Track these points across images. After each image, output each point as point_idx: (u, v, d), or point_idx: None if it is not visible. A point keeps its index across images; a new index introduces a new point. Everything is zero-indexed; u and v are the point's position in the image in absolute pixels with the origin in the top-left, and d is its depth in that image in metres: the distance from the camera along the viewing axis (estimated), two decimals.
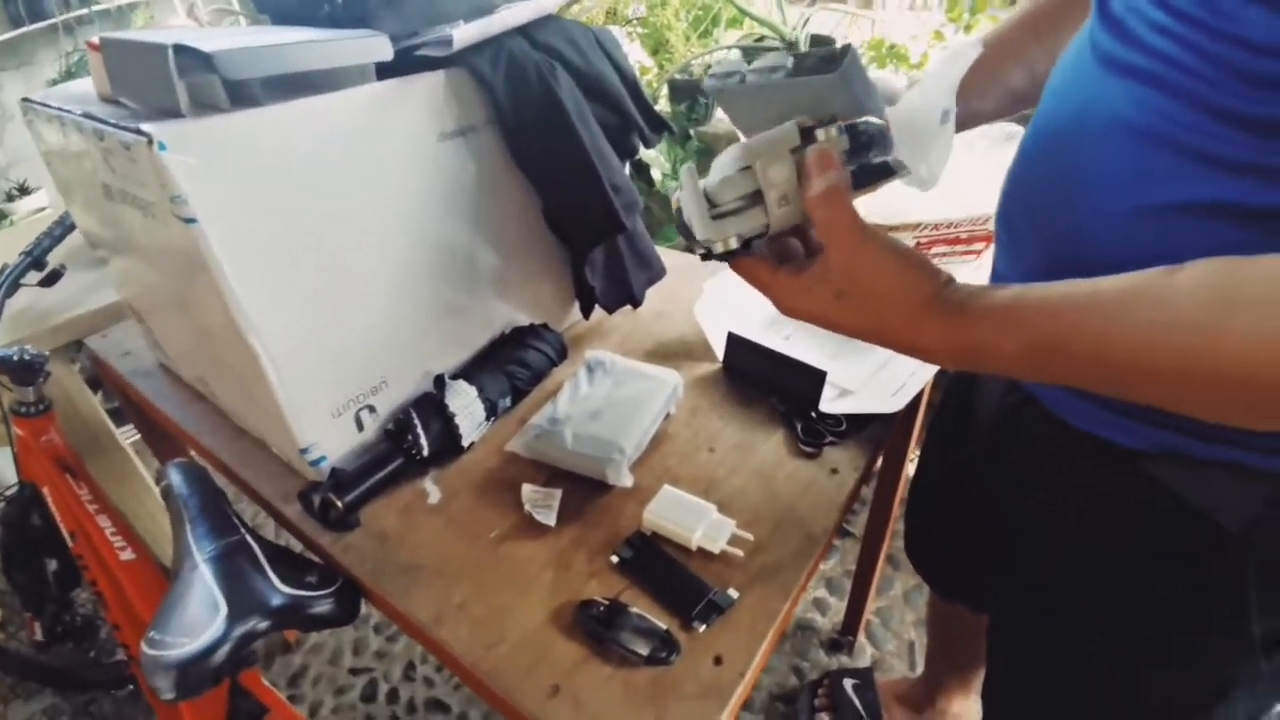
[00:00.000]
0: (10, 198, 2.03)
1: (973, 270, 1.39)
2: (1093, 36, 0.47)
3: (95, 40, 0.66)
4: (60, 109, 0.64)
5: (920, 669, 1.28)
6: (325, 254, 0.62)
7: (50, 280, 1.11)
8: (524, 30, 0.72)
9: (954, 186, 1.30)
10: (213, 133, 0.52)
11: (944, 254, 1.32)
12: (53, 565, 1.13)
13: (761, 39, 2.04)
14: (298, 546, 0.71)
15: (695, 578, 0.57)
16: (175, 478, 0.71)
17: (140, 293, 0.82)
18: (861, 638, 1.35)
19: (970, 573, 0.82)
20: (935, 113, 0.48)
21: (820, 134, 0.44)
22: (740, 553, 0.59)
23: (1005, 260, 0.57)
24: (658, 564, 0.59)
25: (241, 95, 0.55)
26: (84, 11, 2.01)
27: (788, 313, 0.46)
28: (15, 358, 0.93)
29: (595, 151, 0.74)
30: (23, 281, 1.08)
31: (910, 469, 0.98)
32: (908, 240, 1.26)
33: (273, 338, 0.60)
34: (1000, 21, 0.65)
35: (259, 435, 0.77)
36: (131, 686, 1.35)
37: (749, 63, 0.51)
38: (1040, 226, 0.50)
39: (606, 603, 0.55)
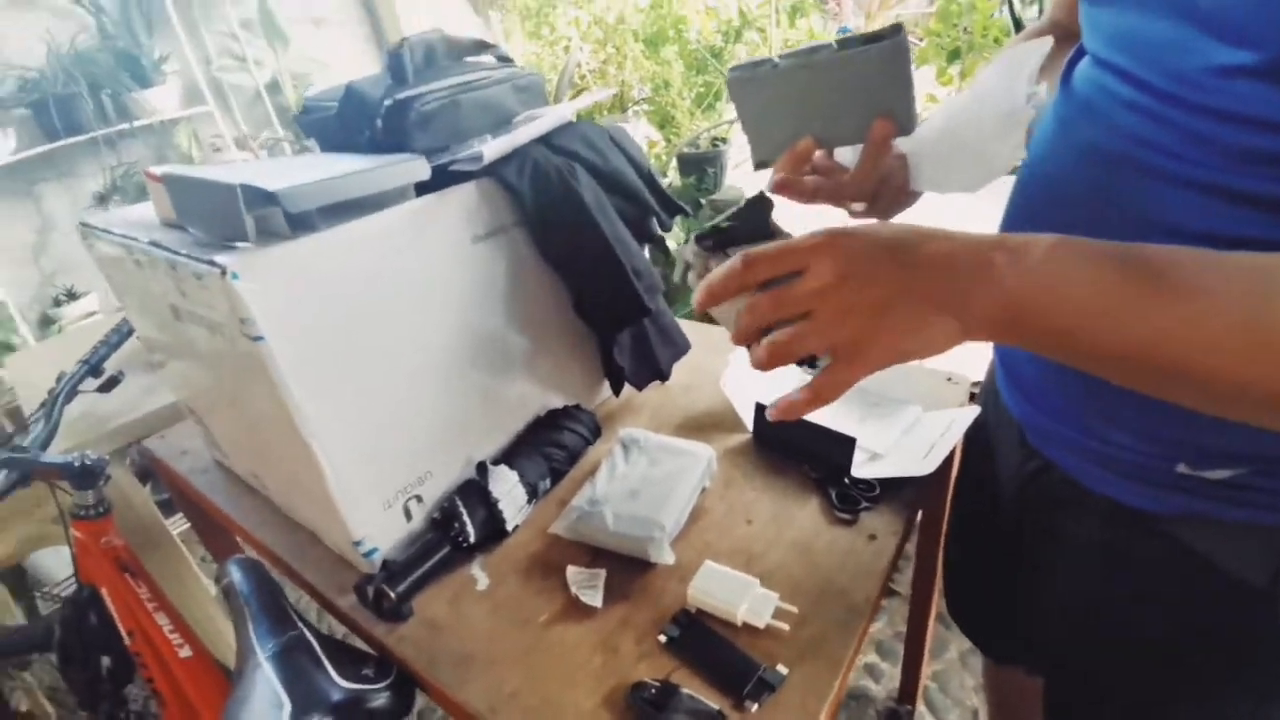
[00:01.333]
0: (58, 303, 2.15)
1: None
2: (1059, 114, 0.48)
3: (155, 172, 0.73)
4: (126, 237, 0.71)
5: None
6: (376, 357, 0.67)
7: (108, 386, 1.18)
8: (544, 138, 0.78)
9: (961, 221, 1.34)
10: (277, 260, 0.57)
11: None
12: (107, 662, 1.16)
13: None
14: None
15: (744, 655, 0.58)
16: (236, 575, 0.74)
17: (198, 396, 0.88)
18: (920, 706, 1.30)
19: (1018, 635, 0.81)
20: (1007, 105, 0.47)
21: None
22: (785, 626, 0.60)
23: None
24: (705, 642, 0.60)
25: (299, 222, 0.60)
26: (125, 126, 2.16)
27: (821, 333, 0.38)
28: (77, 464, 0.98)
29: (616, 240, 0.79)
30: (80, 388, 1.15)
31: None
32: None
33: (329, 438, 0.64)
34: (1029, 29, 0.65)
35: (311, 528, 0.80)
36: None
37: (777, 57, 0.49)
38: None
39: (657, 684, 0.56)
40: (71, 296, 2.13)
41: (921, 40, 2.22)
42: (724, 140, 2.31)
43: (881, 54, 0.44)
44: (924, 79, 1.82)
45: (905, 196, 0.60)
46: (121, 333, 1.21)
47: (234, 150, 2.28)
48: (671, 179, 2.25)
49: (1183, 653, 0.52)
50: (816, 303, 0.37)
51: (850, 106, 0.47)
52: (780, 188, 0.54)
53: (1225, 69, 0.34)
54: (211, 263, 0.55)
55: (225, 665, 1.02)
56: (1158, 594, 0.52)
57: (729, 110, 2.46)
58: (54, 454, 0.99)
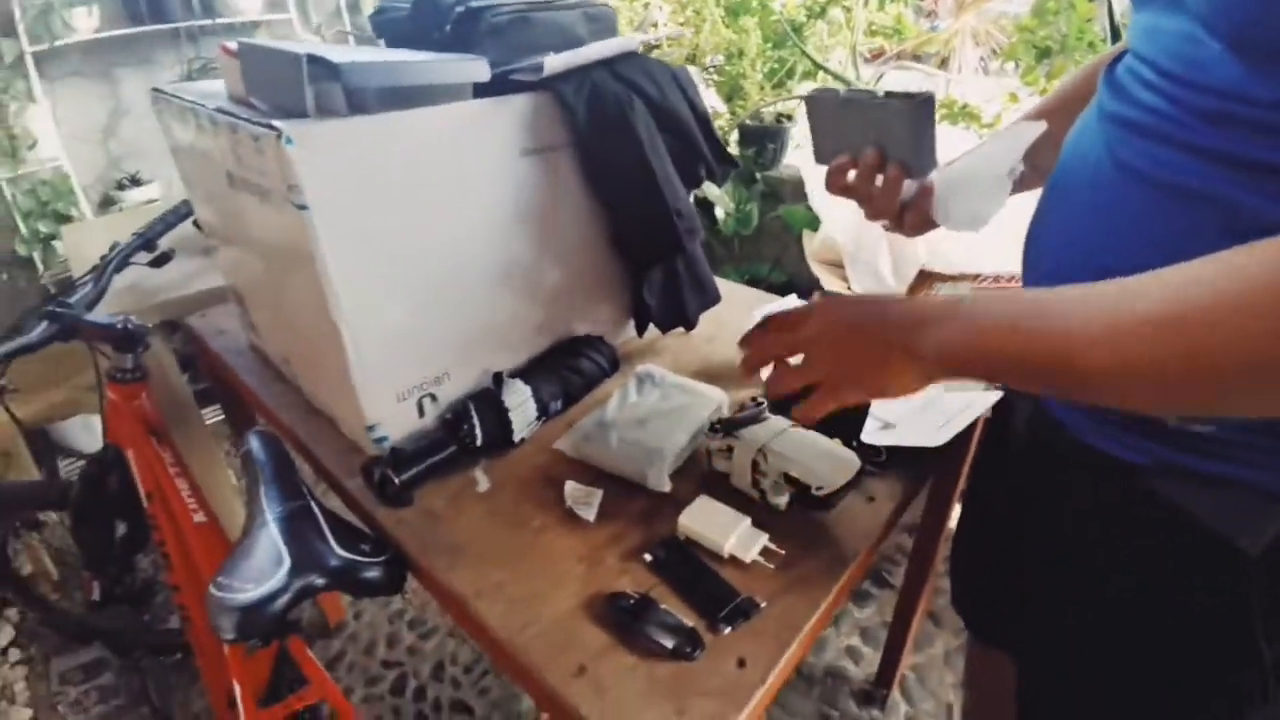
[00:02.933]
0: (121, 186, 2.22)
1: None
2: (1099, 99, 0.53)
3: (230, 45, 0.75)
4: (194, 103, 0.73)
5: None
6: (411, 251, 0.69)
7: (160, 262, 1.22)
8: (608, 63, 0.78)
9: (1009, 240, 1.30)
10: (332, 133, 0.59)
11: None
12: (121, 529, 1.21)
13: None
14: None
15: (725, 583, 0.59)
16: (254, 443, 0.77)
17: (244, 275, 0.91)
18: (896, 693, 1.31)
19: (1008, 615, 0.80)
20: (1004, 168, 0.58)
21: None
22: (770, 565, 0.61)
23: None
24: (689, 566, 0.61)
25: (358, 103, 0.62)
26: (207, 21, 2.20)
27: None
28: (120, 326, 1.03)
29: (663, 177, 0.79)
30: (133, 261, 1.20)
31: (954, 522, 0.96)
32: (965, 289, 1.26)
33: (357, 321, 0.66)
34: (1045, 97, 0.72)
35: (330, 413, 0.83)
36: (179, 655, 1.42)
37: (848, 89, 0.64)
38: (1062, 262, 0.54)
39: (636, 596, 0.58)
40: (135, 182, 2.20)
41: (1011, 36, 2.14)
42: (789, 118, 2.27)
43: (907, 111, 0.56)
44: (1008, 78, 1.75)
45: (926, 223, 0.67)
46: (179, 213, 1.25)
47: (302, 37, 2.32)
48: (731, 150, 2.22)
49: (1164, 624, 0.53)
50: (807, 347, 0.52)
51: (883, 141, 0.60)
52: (831, 175, 0.66)
53: (1212, 54, 0.41)
54: (270, 126, 0.57)
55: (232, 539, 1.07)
56: (1144, 556, 0.53)
57: (799, 88, 2.41)
58: (99, 315, 1.03)
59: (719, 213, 2.05)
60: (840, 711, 1.29)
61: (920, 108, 0.56)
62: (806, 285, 1.98)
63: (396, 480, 0.69)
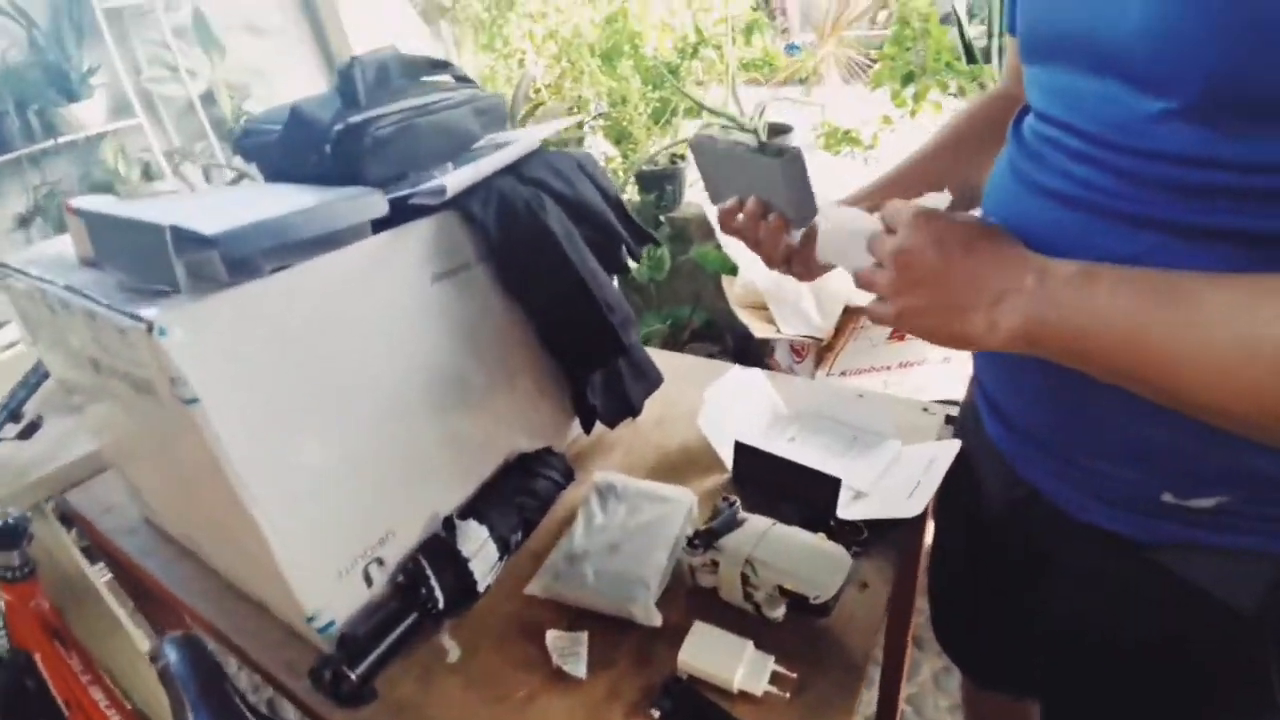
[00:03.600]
0: None
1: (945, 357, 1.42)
2: (1013, 162, 0.52)
3: (73, 204, 0.65)
4: (41, 280, 0.63)
5: None
6: (326, 412, 0.61)
7: (28, 432, 1.07)
8: (512, 167, 0.74)
9: None
10: (213, 311, 0.51)
11: None
12: None
13: (725, 126, 2.13)
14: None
15: None
16: (172, 656, 0.66)
17: (123, 451, 0.79)
18: None
19: (1006, 659, 0.80)
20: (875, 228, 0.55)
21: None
22: (785, 694, 0.56)
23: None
24: (701, 714, 0.56)
25: (239, 266, 0.54)
26: (49, 144, 2.01)
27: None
28: None
29: (587, 273, 0.74)
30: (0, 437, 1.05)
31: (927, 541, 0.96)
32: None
33: (274, 505, 0.57)
34: (927, 140, 0.72)
35: (257, 598, 0.73)
36: None
37: (728, 134, 0.68)
38: None
39: None
40: None
41: (875, 63, 2.26)
42: (682, 157, 2.29)
43: (778, 166, 0.57)
44: (880, 101, 1.84)
45: (816, 269, 0.64)
46: (39, 373, 1.10)
47: (165, 164, 2.14)
48: (630, 196, 2.22)
49: (1173, 676, 0.53)
50: (891, 260, 0.47)
51: (762, 189, 0.61)
52: (721, 219, 0.65)
53: (1151, 115, 0.39)
54: (136, 316, 0.49)
55: None
56: (1148, 619, 0.53)
57: (686, 128, 2.45)
58: None
59: (630, 263, 2.03)
60: None
61: (791, 164, 0.56)
62: (734, 329, 1.99)
63: (353, 676, 0.60)
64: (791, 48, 3.39)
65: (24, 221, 2.00)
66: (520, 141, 0.75)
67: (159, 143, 2.23)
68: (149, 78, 2.23)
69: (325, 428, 0.61)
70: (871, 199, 0.64)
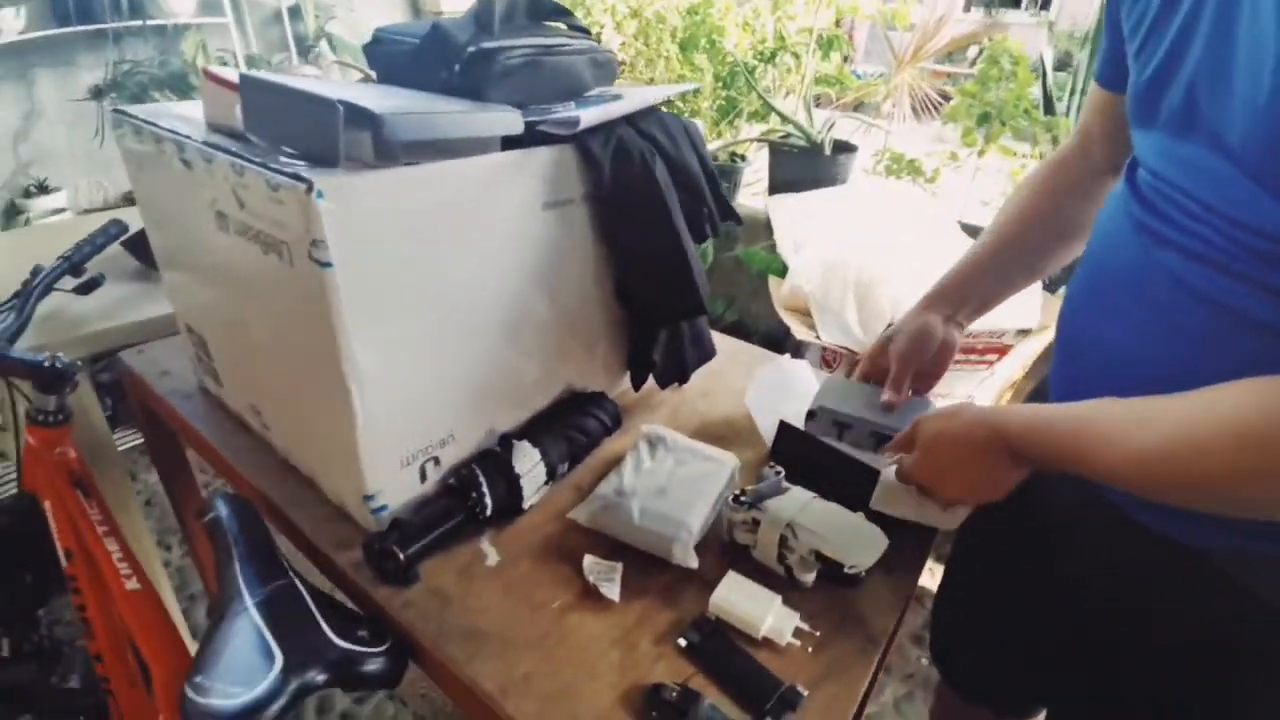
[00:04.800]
0: (29, 194, 2.00)
1: (982, 379, 1.46)
2: (1130, 212, 0.55)
3: (219, 72, 0.68)
4: (176, 134, 0.66)
5: None
6: (428, 309, 0.64)
7: (87, 288, 1.09)
8: (629, 118, 0.77)
9: None
10: (365, 187, 0.54)
11: (960, 362, 1.38)
12: (28, 579, 1.07)
13: (787, 136, 2.16)
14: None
15: (764, 670, 0.57)
16: (225, 511, 0.69)
17: (212, 315, 0.82)
18: None
19: (1004, 676, 0.83)
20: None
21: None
22: (808, 647, 0.59)
23: (1065, 384, 0.65)
24: (726, 652, 0.59)
25: (385, 152, 0.57)
26: (136, 23, 2.03)
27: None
28: (46, 364, 0.91)
29: (683, 230, 0.78)
30: (57, 287, 1.07)
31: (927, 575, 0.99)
32: None
33: (371, 384, 0.61)
34: (1002, 224, 0.78)
35: (311, 475, 0.76)
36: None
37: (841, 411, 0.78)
38: (1107, 358, 0.58)
39: (678, 689, 0.55)
40: (43, 189, 1.98)
41: (947, 100, 2.30)
42: (742, 157, 2.32)
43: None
44: (947, 140, 1.87)
45: None
46: (109, 234, 1.13)
47: (243, 66, 2.16)
48: None
49: (1216, 680, 0.57)
50: (916, 466, 0.65)
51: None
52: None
53: (1259, 199, 0.43)
54: (298, 176, 0.52)
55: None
56: (1196, 621, 0.56)
57: (748, 129, 2.48)
58: (22, 349, 0.91)
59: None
60: None
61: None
62: (760, 332, 2.02)
63: (402, 556, 0.64)
64: (855, 74, 3.41)
65: (98, 93, 2.03)
66: (643, 95, 0.79)
67: (240, 45, 2.25)
68: None
69: (424, 321, 0.64)
70: (938, 303, 0.79)
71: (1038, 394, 0.78)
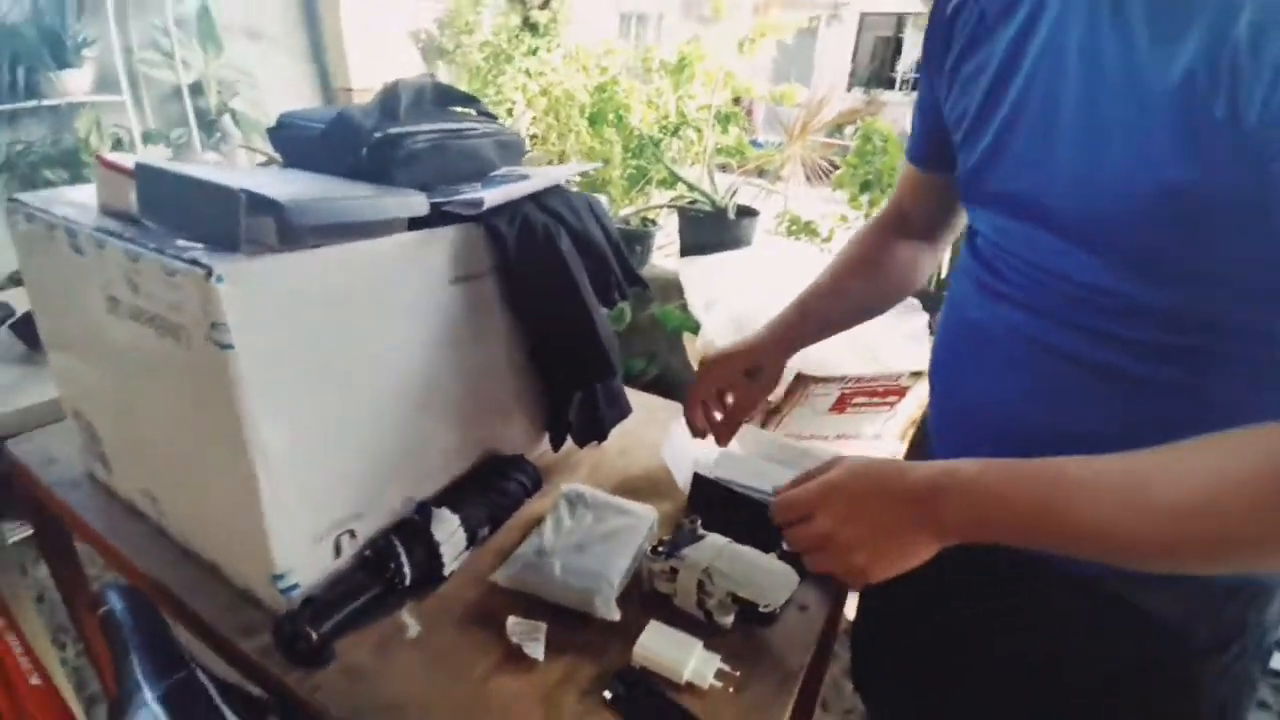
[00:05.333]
0: None
1: (886, 419, 1.56)
2: (971, 269, 0.64)
3: (112, 158, 0.69)
4: (67, 221, 0.66)
5: None
6: (334, 384, 0.65)
7: None
8: (534, 196, 0.82)
9: (872, 346, 1.48)
10: (264, 271, 0.56)
11: (864, 404, 1.48)
12: None
13: (694, 201, 2.29)
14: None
15: (689, 714, 0.59)
16: (118, 603, 0.65)
17: (99, 398, 0.79)
18: None
19: (922, 705, 0.86)
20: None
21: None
22: (730, 689, 0.62)
23: (941, 419, 0.71)
24: (651, 700, 0.60)
25: (290, 236, 0.59)
26: (30, 104, 1.96)
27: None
28: None
29: (589, 298, 0.82)
30: None
31: (849, 608, 1.03)
32: (835, 390, 1.41)
33: (276, 464, 0.60)
34: (829, 270, 0.88)
35: (211, 558, 0.73)
36: None
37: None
38: (971, 398, 0.64)
39: None
40: None
41: (835, 167, 2.51)
42: (654, 222, 2.44)
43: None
44: (838, 201, 2.04)
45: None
46: None
47: (140, 146, 2.11)
48: None
49: (1119, 698, 0.60)
50: (823, 542, 0.54)
51: None
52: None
53: (1080, 262, 0.51)
54: (196, 262, 0.53)
55: None
56: (1097, 655, 0.60)
57: (658, 195, 2.61)
58: None
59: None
60: None
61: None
62: (683, 384, 2.09)
63: (314, 635, 0.62)
64: (755, 143, 3.68)
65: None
66: (546, 174, 0.84)
67: (138, 122, 2.20)
68: (142, 59, 2.23)
69: (332, 397, 0.65)
70: (778, 338, 0.85)
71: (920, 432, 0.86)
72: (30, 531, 1.63)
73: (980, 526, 0.48)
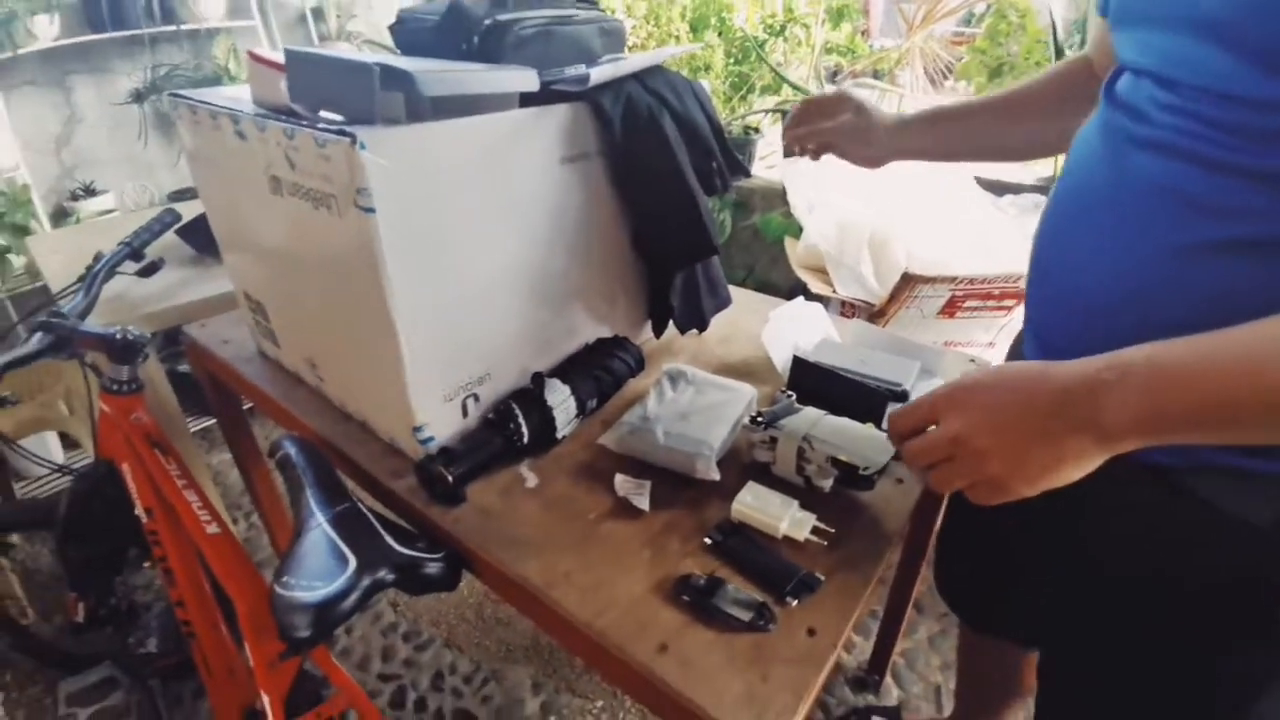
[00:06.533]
0: (75, 197, 2.13)
1: (1001, 326, 1.48)
2: (1106, 121, 0.56)
3: (262, 53, 0.75)
4: (228, 109, 0.74)
5: (946, 712, 1.30)
6: (462, 254, 0.70)
7: (148, 271, 1.19)
8: (638, 76, 0.82)
9: (990, 245, 1.39)
10: (399, 140, 0.61)
11: (977, 308, 1.41)
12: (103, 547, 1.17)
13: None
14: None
15: (784, 560, 0.63)
16: (292, 449, 0.77)
17: (267, 280, 0.90)
18: (888, 678, 1.37)
19: (1005, 605, 0.84)
20: None
21: None
22: (823, 543, 0.65)
23: (1038, 309, 0.65)
24: (748, 547, 0.65)
25: (415, 111, 0.64)
26: (168, 28, 2.13)
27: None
28: (119, 337, 1.00)
29: (694, 184, 0.83)
30: (120, 271, 1.16)
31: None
32: (945, 292, 1.35)
33: (413, 323, 0.68)
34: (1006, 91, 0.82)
35: (363, 418, 0.84)
36: (153, 681, 1.36)
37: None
38: (1079, 275, 0.57)
39: (705, 577, 0.61)
40: (89, 192, 2.11)
41: (954, 54, 2.29)
42: (756, 130, 2.35)
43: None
44: (964, 94, 1.88)
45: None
46: (164, 222, 1.22)
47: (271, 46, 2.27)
48: None
49: (1198, 614, 0.56)
50: (953, 449, 0.46)
51: None
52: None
53: (1245, 74, 0.43)
54: (342, 132, 0.58)
55: None
56: (1179, 554, 0.56)
57: (761, 102, 2.50)
58: (95, 325, 1.00)
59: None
60: (836, 699, 1.34)
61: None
62: (791, 292, 2.06)
63: (450, 477, 0.70)
64: (871, 46, 3.41)
65: (138, 96, 2.14)
66: (649, 54, 0.84)
67: (269, 45, 2.35)
68: None
69: (458, 269, 0.71)
70: (924, 128, 0.81)
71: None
72: (210, 421, 1.90)
73: (1157, 422, 0.40)
